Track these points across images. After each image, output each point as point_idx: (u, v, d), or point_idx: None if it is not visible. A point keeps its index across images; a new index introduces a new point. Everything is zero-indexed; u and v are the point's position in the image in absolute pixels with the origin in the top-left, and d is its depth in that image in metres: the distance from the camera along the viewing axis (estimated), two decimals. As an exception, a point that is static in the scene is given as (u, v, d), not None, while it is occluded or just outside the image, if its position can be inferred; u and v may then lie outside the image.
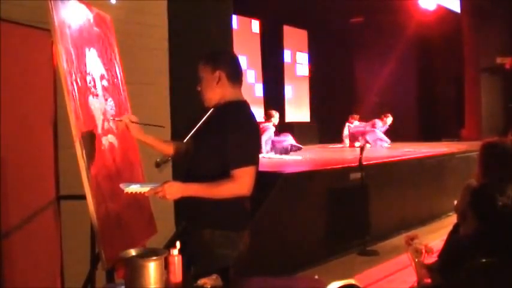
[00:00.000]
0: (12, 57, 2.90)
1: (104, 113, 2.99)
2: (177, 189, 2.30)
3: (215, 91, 2.47)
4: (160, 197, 2.28)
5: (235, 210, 2.40)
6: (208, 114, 2.47)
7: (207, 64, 2.48)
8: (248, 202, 2.46)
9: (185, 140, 2.51)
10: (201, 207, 2.36)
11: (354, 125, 10.81)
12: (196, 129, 2.53)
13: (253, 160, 2.38)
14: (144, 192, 2.33)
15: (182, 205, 2.45)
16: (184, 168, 2.52)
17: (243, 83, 2.57)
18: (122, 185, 2.37)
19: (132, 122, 2.59)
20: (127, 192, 2.35)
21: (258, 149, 2.48)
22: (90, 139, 2.73)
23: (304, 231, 5.37)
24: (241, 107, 2.47)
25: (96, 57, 3.06)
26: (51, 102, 3.21)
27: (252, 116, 2.49)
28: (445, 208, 7.28)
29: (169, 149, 2.68)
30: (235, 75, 2.50)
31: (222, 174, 2.33)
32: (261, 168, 2.52)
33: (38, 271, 3.08)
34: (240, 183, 2.32)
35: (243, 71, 2.57)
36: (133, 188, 2.33)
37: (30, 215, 3.00)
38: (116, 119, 2.92)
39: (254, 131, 2.48)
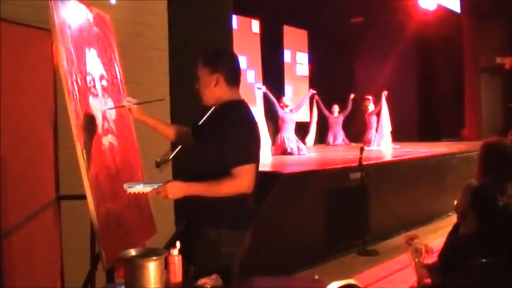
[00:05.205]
0: (12, 57, 2.90)
1: (104, 113, 3.00)
2: (179, 188, 2.32)
3: (213, 92, 2.48)
4: (163, 197, 2.30)
5: (240, 209, 2.41)
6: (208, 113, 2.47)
7: (205, 65, 2.48)
8: (252, 201, 2.48)
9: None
10: (207, 206, 2.37)
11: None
12: (196, 130, 2.55)
13: (253, 158, 2.39)
14: (146, 192, 2.35)
15: (186, 205, 2.46)
16: (184, 167, 2.53)
17: (243, 82, 2.58)
18: (125, 185, 2.40)
19: (133, 104, 2.65)
20: (127, 192, 2.36)
21: (257, 146, 2.48)
22: (91, 139, 2.73)
23: (304, 231, 5.36)
24: (239, 107, 2.48)
25: (95, 57, 3.06)
26: (51, 102, 3.20)
27: (250, 114, 2.50)
28: (445, 208, 7.27)
29: (169, 132, 2.74)
30: (234, 78, 2.50)
31: (223, 172, 2.34)
32: (261, 168, 2.53)
33: (38, 271, 3.08)
34: (240, 181, 2.33)
35: (241, 71, 2.58)
36: (137, 188, 2.36)
37: (30, 215, 3.00)
38: (118, 106, 3.06)
39: (252, 129, 2.48)
